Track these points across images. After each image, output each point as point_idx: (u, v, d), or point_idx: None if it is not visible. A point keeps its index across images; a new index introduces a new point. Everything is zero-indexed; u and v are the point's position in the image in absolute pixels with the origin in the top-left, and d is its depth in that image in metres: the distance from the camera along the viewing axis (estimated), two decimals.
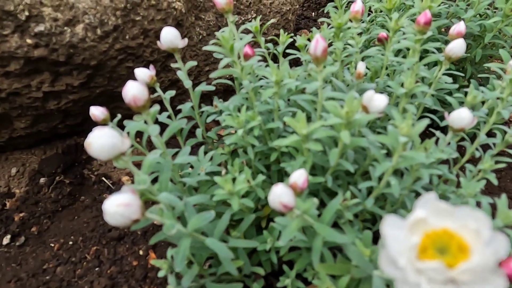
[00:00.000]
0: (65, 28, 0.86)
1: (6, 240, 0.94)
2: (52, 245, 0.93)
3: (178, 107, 0.83)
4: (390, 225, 0.32)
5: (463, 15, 1.11)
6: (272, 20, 1.04)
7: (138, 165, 0.53)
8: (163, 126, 0.64)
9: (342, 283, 0.56)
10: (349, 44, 0.88)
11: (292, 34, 1.00)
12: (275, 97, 0.70)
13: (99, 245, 0.92)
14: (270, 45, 0.98)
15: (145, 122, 0.57)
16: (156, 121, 0.61)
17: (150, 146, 1.18)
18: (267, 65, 0.76)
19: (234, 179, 0.63)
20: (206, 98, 1.30)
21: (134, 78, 0.64)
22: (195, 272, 0.62)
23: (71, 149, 1.18)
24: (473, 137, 0.84)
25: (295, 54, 0.94)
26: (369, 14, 1.30)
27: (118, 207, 0.40)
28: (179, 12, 1.04)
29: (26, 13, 0.81)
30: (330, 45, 0.89)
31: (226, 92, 1.40)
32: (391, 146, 0.55)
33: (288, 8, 1.51)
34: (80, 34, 0.88)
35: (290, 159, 0.72)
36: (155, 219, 0.48)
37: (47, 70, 0.92)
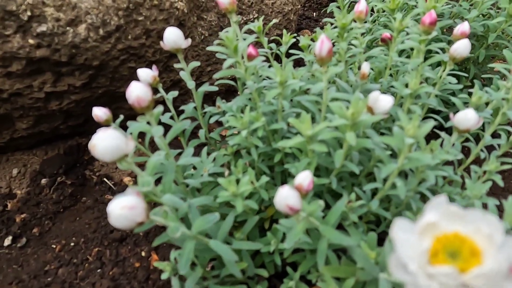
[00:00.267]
0: (68, 28, 0.86)
1: (7, 241, 0.94)
2: (54, 246, 0.93)
3: (181, 108, 0.83)
4: (400, 228, 0.31)
5: (467, 15, 1.11)
6: (274, 20, 1.03)
7: (140, 166, 0.52)
8: (166, 127, 0.63)
9: (347, 286, 0.55)
10: (353, 45, 0.88)
11: (295, 34, 0.99)
12: (279, 98, 0.69)
13: (101, 246, 0.92)
14: (273, 45, 0.97)
15: (149, 123, 0.56)
16: (159, 122, 0.60)
17: (152, 147, 1.18)
18: (270, 66, 0.75)
19: (237, 181, 0.63)
20: (207, 98, 1.30)
21: (136, 79, 0.63)
22: (199, 274, 0.62)
23: (72, 149, 1.18)
24: (476, 138, 0.83)
25: (298, 55, 0.94)
26: (371, 15, 1.29)
27: (123, 209, 0.40)
28: (181, 12, 1.03)
29: (28, 13, 0.81)
30: (333, 45, 0.88)
31: (227, 92, 1.40)
32: (396, 147, 0.55)
33: (290, 8, 1.50)
34: (83, 34, 0.87)
35: (294, 160, 0.71)
36: (160, 222, 0.48)
37: (49, 70, 0.92)
